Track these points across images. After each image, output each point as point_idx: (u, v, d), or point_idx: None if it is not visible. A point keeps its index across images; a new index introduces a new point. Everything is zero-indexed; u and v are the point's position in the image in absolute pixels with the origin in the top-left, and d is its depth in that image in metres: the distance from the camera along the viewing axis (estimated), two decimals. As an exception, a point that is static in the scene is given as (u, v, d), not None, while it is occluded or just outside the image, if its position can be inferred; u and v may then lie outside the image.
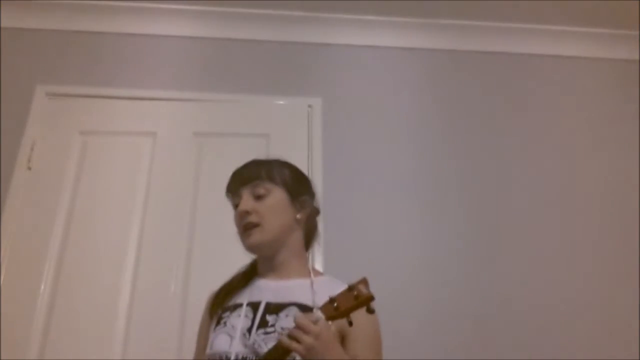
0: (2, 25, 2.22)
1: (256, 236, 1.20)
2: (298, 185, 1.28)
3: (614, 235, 2.09)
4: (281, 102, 2.22)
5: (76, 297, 1.83)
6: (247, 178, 1.24)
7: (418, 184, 2.12)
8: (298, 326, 0.97)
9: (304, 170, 1.82)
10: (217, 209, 1.95)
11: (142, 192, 2.00)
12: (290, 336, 0.97)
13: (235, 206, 1.24)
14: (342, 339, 1.12)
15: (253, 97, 2.21)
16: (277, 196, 1.23)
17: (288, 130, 2.14)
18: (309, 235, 1.32)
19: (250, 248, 1.22)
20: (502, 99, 2.32)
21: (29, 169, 2.01)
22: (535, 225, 2.08)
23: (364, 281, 1.02)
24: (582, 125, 2.30)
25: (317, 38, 2.35)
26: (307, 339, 0.95)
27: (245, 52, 2.31)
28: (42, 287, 1.84)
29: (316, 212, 1.33)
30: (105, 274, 1.86)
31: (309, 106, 2.20)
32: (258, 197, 1.22)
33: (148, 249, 1.91)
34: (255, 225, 1.19)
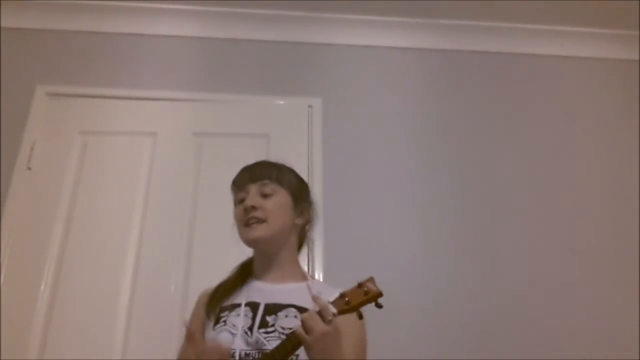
0: (2, 25, 2.22)
1: (261, 231, 1.22)
2: (301, 192, 1.32)
3: (614, 235, 2.09)
4: (281, 102, 2.22)
5: (76, 297, 1.83)
6: (257, 175, 1.28)
7: (418, 183, 2.12)
8: (303, 322, 1.01)
9: (304, 170, 1.81)
10: (217, 209, 1.97)
11: (142, 192, 2.00)
12: (304, 327, 1.01)
13: (240, 200, 1.27)
14: None
15: (253, 97, 2.21)
16: (282, 197, 1.27)
17: (288, 130, 2.14)
18: (301, 243, 1.36)
19: (251, 241, 1.24)
20: (502, 99, 2.32)
21: (29, 169, 2.01)
22: (535, 225, 2.08)
23: (371, 279, 1.08)
24: (582, 125, 2.30)
25: (317, 38, 2.35)
26: (309, 337, 0.99)
27: (245, 52, 2.31)
28: (42, 287, 1.84)
29: (312, 220, 1.37)
30: (105, 274, 1.86)
31: (309, 106, 2.20)
32: (265, 196, 1.25)
33: (148, 249, 1.91)
34: (261, 221, 1.22)
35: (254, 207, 1.23)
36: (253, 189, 1.26)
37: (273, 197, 1.25)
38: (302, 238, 1.35)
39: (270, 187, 1.26)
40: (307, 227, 1.35)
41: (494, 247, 2.03)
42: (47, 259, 1.87)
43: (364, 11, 2.33)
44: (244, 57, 2.30)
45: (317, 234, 1.92)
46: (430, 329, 1.87)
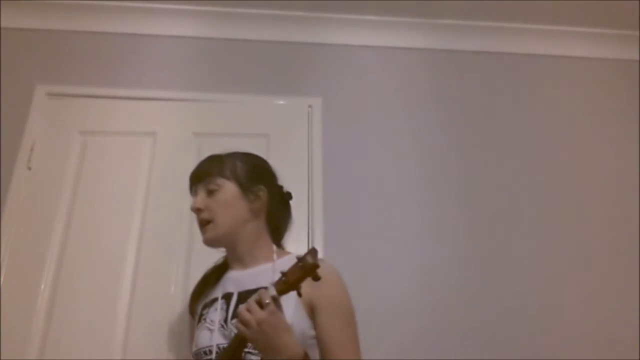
0: (2, 25, 2.22)
1: (209, 232, 1.25)
2: (251, 177, 1.30)
3: (615, 235, 2.09)
4: (281, 102, 2.22)
5: (76, 297, 1.83)
6: (200, 175, 1.30)
7: (418, 184, 2.12)
8: (239, 317, 1.01)
9: (304, 170, 1.77)
10: (217, 209, 1.97)
11: (142, 192, 1.99)
12: (241, 321, 1.01)
13: None
14: (312, 311, 1.15)
15: (253, 97, 2.21)
16: (227, 191, 1.27)
17: (288, 130, 2.14)
18: (277, 223, 1.34)
19: (206, 243, 1.27)
20: (502, 99, 2.32)
21: (29, 169, 2.01)
22: (536, 224, 2.08)
23: (312, 251, 1.04)
24: (583, 126, 2.29)
25: (317, 38, 2.35)
26: (248, 330, 0.99)
27: (245, 52, 2.31)
28: (42, 287, 1.83)
29: (277, 198, 1.34)
30: (105, 274, 1.86)
31: (309, 106, 2.20)
32: (210, 193, 1.26)
33: (148, 249, 1.91)
34: (208, 222, 1.25)
35: (199, 210, 1.25)
36: (200, 189, 1.28)
37: (218, 192, 1.25)
38: (276, 218, 1.33)
39: (214, 183, 1.26)
40: (275, 207, 1.32)
41: (494, 247, 2.03)
42: (47, 259, 1.87)
43: (364, 11, 2.32)
44: (244, 57, 2.30)
45: (317, 235, 1.92)
46: (431, 332, 1.87)
